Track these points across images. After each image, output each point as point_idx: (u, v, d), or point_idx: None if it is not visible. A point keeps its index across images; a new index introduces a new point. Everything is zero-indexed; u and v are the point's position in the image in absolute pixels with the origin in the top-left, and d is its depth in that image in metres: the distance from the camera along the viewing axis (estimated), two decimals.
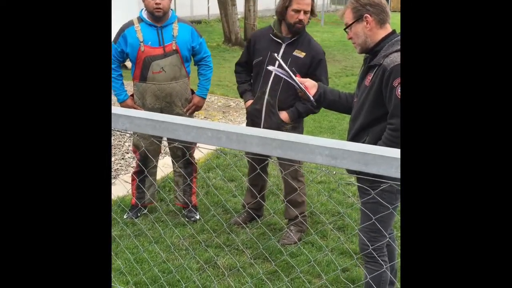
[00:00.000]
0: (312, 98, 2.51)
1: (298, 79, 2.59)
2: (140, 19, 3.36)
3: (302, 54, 3.16)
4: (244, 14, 12.94)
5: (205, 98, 3.62)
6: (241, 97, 3.47)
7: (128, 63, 3.68)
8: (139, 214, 3.65)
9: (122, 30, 3.36)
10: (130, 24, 3.37)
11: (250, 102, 3.33)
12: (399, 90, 2.08)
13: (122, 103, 3.46)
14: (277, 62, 2.75)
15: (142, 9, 3.41)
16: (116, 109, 1.46)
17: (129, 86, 4.15)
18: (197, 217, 3.67)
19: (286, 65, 2.91)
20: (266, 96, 3.22)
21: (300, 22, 3.11)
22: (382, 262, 2.35)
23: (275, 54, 2.73)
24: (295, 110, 3.20)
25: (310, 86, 2.53)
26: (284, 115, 3.21)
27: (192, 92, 3.58)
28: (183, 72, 3.44)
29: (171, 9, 3.41)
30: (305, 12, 3.11)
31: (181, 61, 3.41)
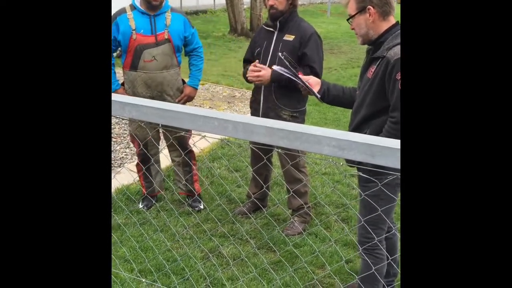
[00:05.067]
0: (317, 94, 2.49)
1: (301, 76, 2.57)
2: (133, 7, 3.31)
3: (291, 37, 3.18)
4: (250, 4, 12.88)
5: (196, 89, 3.59)
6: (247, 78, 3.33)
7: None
8: (153, 202, 3.65)
9: (114, 17, 3.32)
10: (122, 11, 3.32)
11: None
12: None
13: (114, 93, 3.41)
14: (278, 59, 2.72)
15: None
16: (122, 97, 1.45)
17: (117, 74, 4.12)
18: (201, 206, 3.67)
19: (278, 51, 2.90)
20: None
21: (272, 7, 3.17)
22: (379, 255, 2.36)
23: (279, 54, 2.72)
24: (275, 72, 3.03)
25: (313, 83, 2.51)
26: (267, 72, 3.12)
27: (184, 82, 3.56)
28: (174, 61, 3.42)
29: None
30: None
31: (173, 50, 3.38)
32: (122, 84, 3.48)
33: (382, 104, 2.19)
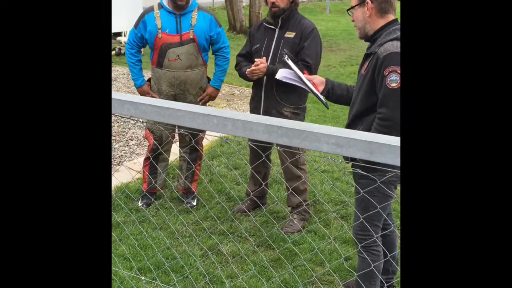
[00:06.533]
0: (320, 96, 2.51)
1: (305, 76, 2.57)
2: (160, 6, 3.36)
3: (292, 34, 3.19)
4: (249, 1, 12.87)
5: (219, 89, 3.62)
6: (244, 76, 3.31)
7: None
8: (152, 200, 3.65)
9: (142, 15, 3.39)
10: (150, 10, 3.38)
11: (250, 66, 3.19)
12: (389, 80, 2.08)
13: (139, 89, 3.52)
14: (287, 63, 2.70)
15: None
16: (121, 95, 1.45)
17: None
18: (194, 203, 3.69)
19: (280, 49, 2.89)
20: (264, 81, 3.24)
21: (274, 5, 3.16)
22: (375, 252, 2.37)
23: (285, 57, 2.70)
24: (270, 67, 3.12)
25: (318, 83, 2.54)
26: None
27: (209, 81, 3.58)
28: (199, 61, 3.44)
29: None
30: None
31: (198, 50, 3.41)
32: (148, 80, 3.54)
33: (373, 100, 2.20)
